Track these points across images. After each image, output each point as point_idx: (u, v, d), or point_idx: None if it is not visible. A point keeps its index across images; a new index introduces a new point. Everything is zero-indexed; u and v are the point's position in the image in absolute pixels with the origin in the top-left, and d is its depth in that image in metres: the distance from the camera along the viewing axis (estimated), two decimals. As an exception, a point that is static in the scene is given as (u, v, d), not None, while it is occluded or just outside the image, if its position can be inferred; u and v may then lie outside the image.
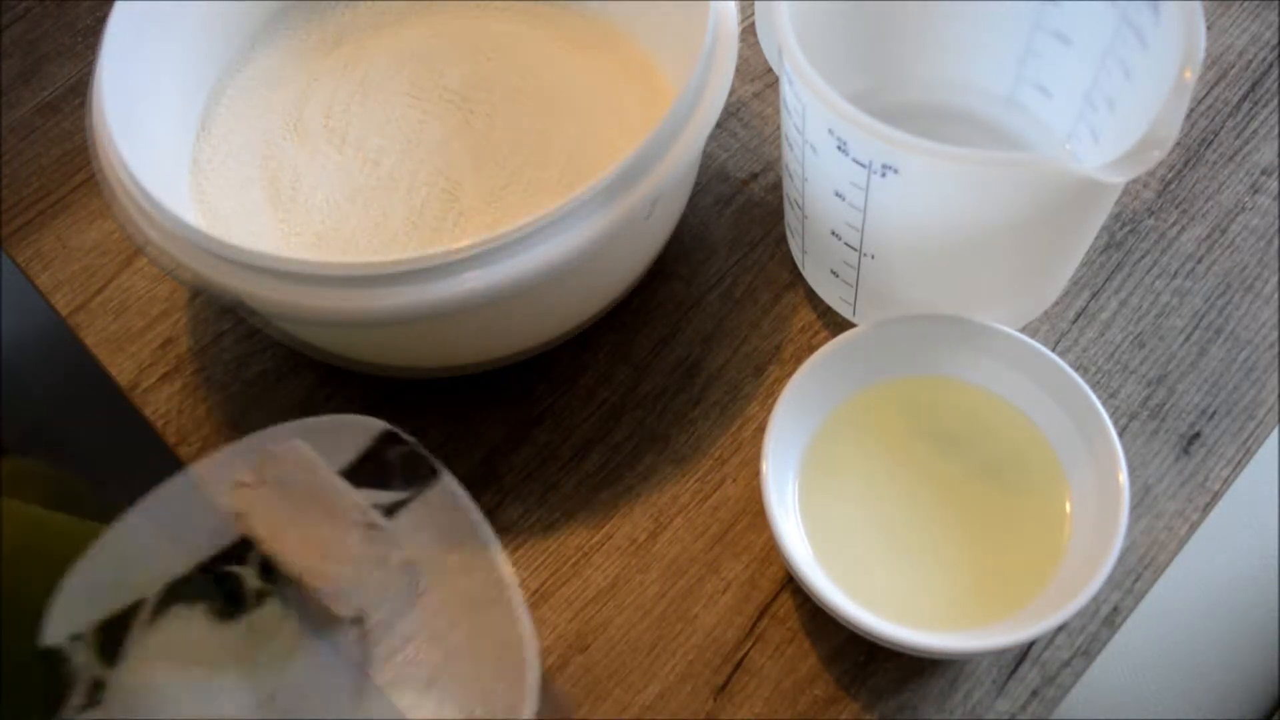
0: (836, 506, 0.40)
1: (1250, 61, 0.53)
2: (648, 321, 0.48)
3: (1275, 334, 0.46)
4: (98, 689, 0.36)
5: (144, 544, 0.38)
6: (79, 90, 0.57)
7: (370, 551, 0.35)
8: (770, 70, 0.54)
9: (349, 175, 0.47)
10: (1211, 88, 0.52)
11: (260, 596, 0.37)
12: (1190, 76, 0.34)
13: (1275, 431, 0.44)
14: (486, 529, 0.37)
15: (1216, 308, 0.47)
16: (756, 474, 0.39)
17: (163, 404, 0.47)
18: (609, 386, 0.47)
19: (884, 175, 0.36)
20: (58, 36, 0.59)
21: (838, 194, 0.39)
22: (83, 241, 0.52)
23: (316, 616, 0.37)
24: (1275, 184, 0.49)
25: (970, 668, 0.40)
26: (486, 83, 0.49)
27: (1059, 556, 0.38)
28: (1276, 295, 0.47)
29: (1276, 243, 0.48)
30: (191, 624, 0.37)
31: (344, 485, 0.36)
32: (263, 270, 0.37)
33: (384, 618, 0.37)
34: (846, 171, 0.37)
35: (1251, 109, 0.52)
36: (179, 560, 0.38)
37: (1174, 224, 0.49)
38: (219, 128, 0.49)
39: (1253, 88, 0.52)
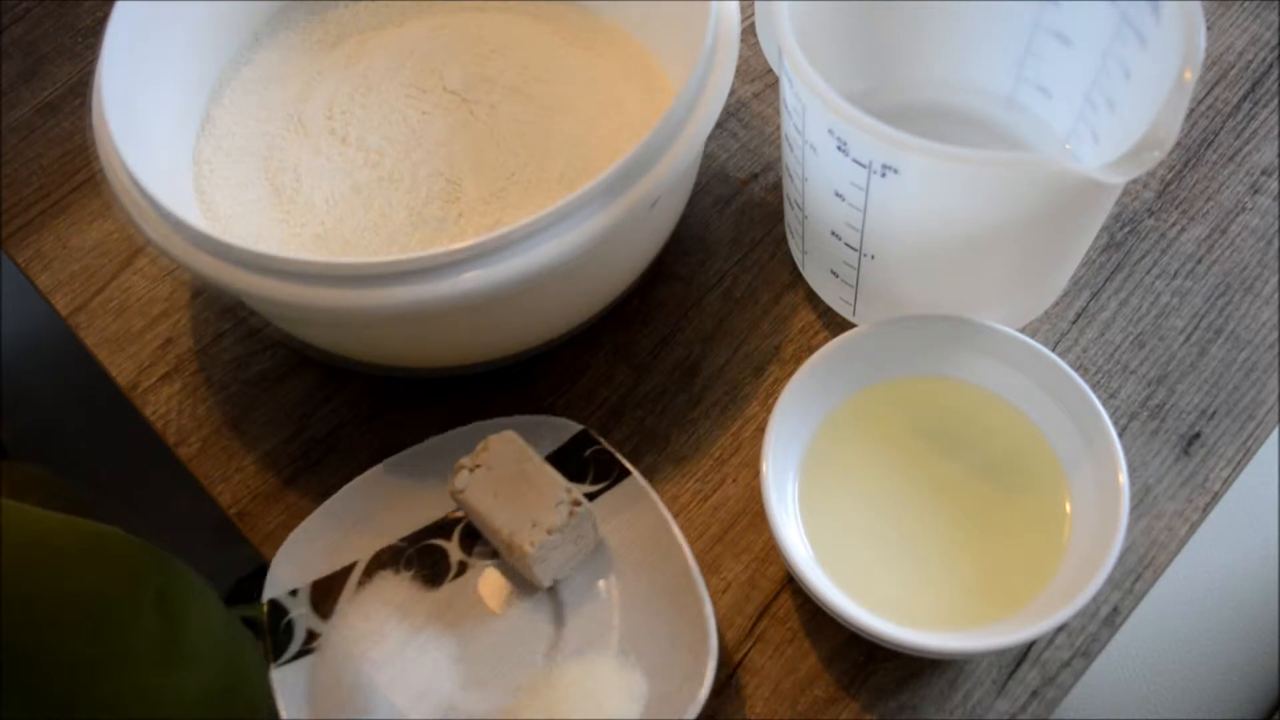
0: (836, 506, 0.40)
1: (1250, 62, 0.53)
2: (648, 321, 0.48)
3: (1275, 334, 0.46)
4: (313, 638, 0.40)
5: (356, 515, 0.43)
6: (79, 90, 0.57)
7: (572, 528, 0.39)
8: (770, 70, 0.54)
9: (350, 173, 0.47)
10: (1211, 88, 0.52)
11: (461, 567, 0.42)
12: (1190, 77, 0.34)
13: (1275, 432, 0.44)
14: (673, 524, 0.41)
15: (1216, 308, 0.47)
16: (756, 474, 0.39)
17: (163, 404, 0.47)
18: (609, 386, 0.47)
19: (884, 175, 0.36)
20: (58, 36, 0.59)
21: (838, 194, 0.39)
22: (83, 242, 0.52)
23: (515, 584, 0.41)
24: (1275, 184, 0.50)
25: (970, 668, 0.40)
26: (487, 81, 0.49)
27: (1059, 556, 0.38)
28: (1276, 295, 0.47)
29: (1276, 243, 0.48)
30: (397, 588, 0.41)
31: (551, 470, 0.40)
32: (264, 269, 0.37)
33: (578, 589, 0.41)
34: (846, 171, 0.37)
35: (1251, 109, 0.52)
36: (388, 531, 0.42)
37: (1174, 224, 0.49)
38: (220, 126, 0.49)
39: (1253, 88, 0.52)
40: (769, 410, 0.42)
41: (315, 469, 0.46)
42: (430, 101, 0.48)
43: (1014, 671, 0.40)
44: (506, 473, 0.40)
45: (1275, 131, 0.51)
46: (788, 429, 0.40)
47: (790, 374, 0.41)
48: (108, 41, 0.43)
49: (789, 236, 0.48)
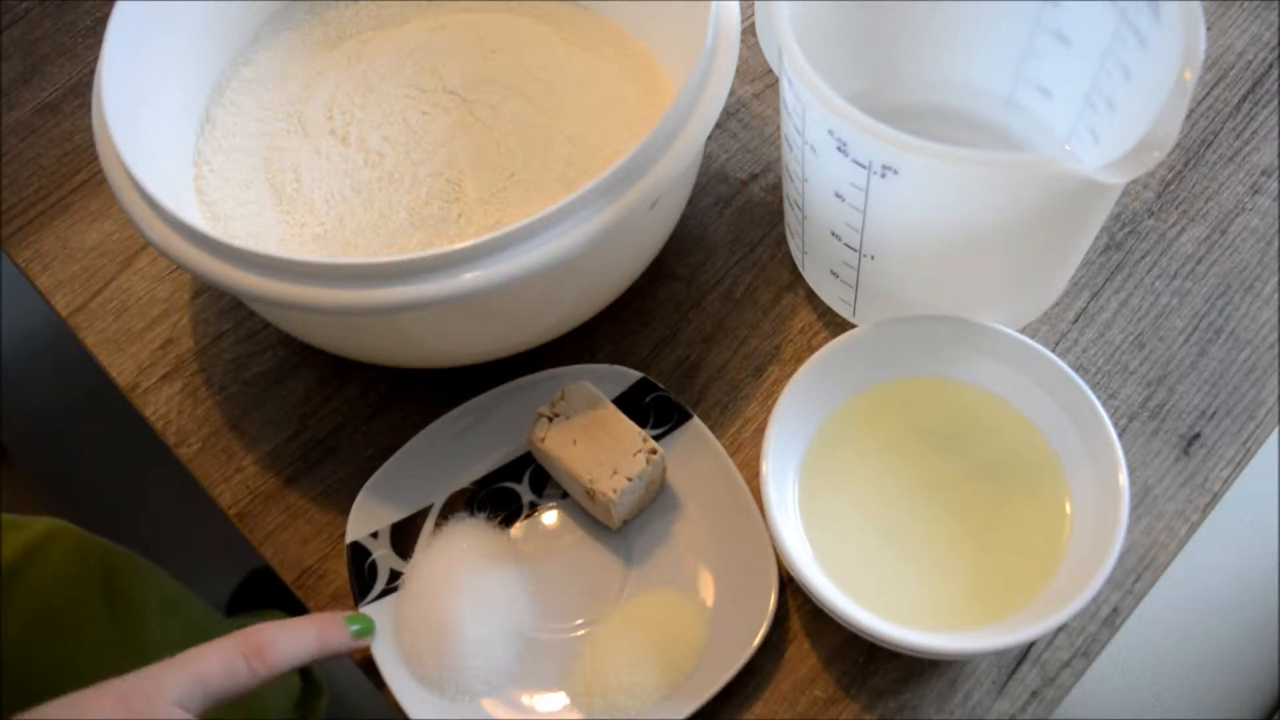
0: (836, 506, 0.40)
1: (1250, 62, 0.53)
2: (648, 322, 0.48)
3: (1275, 335, 0.46)
4: (395, 577, 0.42)
5: (426, 463, 0.44)
6: (79, 90, 0.57)
7: (646, 471, 0.41)
8: (770, 70, 0.54)
9: (351, 172, 0.47)
10: (1211, 88, 0.52)
11: (532, 508, 0.44)
12: (1190, 77, 0.34)
13: (1275, 432, 0.44)
14: (731, 464, 0.43)
15: (1216, 308, 0.47)
16: (756, 474, 0.39)
17: (163, 404, 0.47)
18: (609, 386, 0.47)
19: (884, 176, 0.36)
20: (58, 37, 0.59)
21: (838, 195, 0.39)
22: (83, 242, 0.52)
23: (585, 523, 0.43)
24: (1275, 185, 0.50)
25: (970, 668, 0.40)
26: (488, 80, 0.49)
27: (1059, 556, 0.38)
28: (1276, 296, 0.47)
29: (1276, 243, 0.48)
30: (473, 528, 0.43)
31: (625, 418, 0.42)
32: (264, 269, 0.37)
33: (646, 526, 0.43)
34: (846, 172, 0.37)
35: (1251, 110, 0.52)
36: (460, 476, 0.44)
37: (1174, 225, 0.49)
38: (221, 125, 0.49)
39: (1253, 88, 0.52)
40: (769, 410, 0.42)
41: (315, 469, 0.46)
42: (430, 101, 0.48)
43: (1014, 671, 0.40)
44: (583, 420, 0.42)
45: (1275, 131, 0.51)
46: (788, 429, 0.40)
47: (790, 374, 0.41)
48: (108, 41, 0.43)
49: (789, 237, 0.48)
